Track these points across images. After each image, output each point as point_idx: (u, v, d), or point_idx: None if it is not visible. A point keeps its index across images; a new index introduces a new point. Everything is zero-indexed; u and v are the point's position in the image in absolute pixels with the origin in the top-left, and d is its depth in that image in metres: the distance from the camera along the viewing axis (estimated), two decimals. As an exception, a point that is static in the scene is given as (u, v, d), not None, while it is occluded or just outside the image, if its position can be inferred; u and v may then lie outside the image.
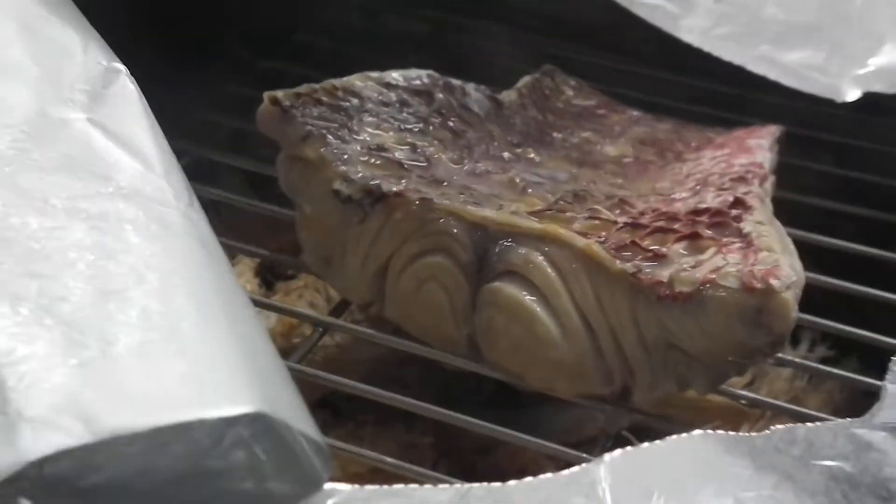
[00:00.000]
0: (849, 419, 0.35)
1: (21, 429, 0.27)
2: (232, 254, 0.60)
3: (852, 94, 0.58)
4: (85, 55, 0.38)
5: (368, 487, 0.31)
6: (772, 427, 0.34)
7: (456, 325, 0.47)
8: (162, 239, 0.31)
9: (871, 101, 0.60)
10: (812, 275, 0.56)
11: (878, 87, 0.58)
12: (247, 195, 0.60)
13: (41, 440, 0.27)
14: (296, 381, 0.32)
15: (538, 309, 0.44)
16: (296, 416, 0.30)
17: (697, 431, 0.33)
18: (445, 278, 0.46)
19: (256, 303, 0.51)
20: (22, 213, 0.31)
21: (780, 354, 0.58)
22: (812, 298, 0.55)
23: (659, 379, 0.44)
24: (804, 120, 0.67)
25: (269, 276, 0.63)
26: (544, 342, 0.45)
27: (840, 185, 0.67)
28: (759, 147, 0.54)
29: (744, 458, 0.32)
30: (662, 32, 0.62)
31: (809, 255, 0.60)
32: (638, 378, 0.45)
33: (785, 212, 0.62)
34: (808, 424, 0.34)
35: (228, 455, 0.30)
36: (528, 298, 0.45)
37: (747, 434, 0.33)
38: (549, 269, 0.44)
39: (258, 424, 0.29)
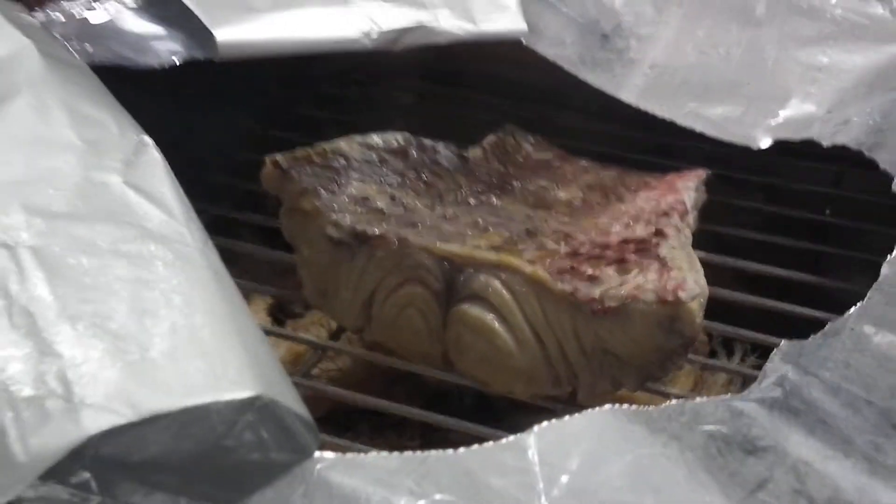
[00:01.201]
0: (729, 395, 0.41)
1: (83, 412, 0.34)
2: (247, 294, 0.66)
3: (765, 142, 0.62)
4: (120, 131, 0.45)
5: (349, 455, 0.37)
6: (666, 402, 0.40)
7: (431, 342, 0.53)
8: (184, 271, 0.38)
9: (792, 147, 0.63)
10: (746, 296, 0.63)
11: (786, 135, 0.62)
12: (258, 245, 0.65)
13: (98, 420, 0.33)
14: (302, 396, 0.39)
15: (497, 325, 0.50)
16: (290, 399, 0.36)
17: (606, 406, 0.39)
18: (421, 304, 0.52)
19: (267, 332, 0.57)
20: (76, 255, 0.38)
21: (713, 362, 0.65)
22: (745, 316, 0.62)
23: (597, 380, 0.51)
24: (739, 164, 0.72)
25: (280, 315, 0.68)
26: (503, 353, 0.51)
27: (771, 219, 0.71)
28: (685, 188, 0.59)
29: (641, 426, 0.39)
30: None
31: (746, 280, 0.67)
32: (581, 380, 0.51)
33: (725, 243, 0.68)
34: (696, 399, 0.41)
35: (240, 436, 0.36)
36: (488, 317, 0.50)
37: (645, 408, 0.40)
38: (504, 292, 0.50)
39: (262, 409, 0.36)
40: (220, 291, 0.38)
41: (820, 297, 0.60)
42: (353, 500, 0.36)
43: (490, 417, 0.58)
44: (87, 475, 0.36)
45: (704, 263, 0.59)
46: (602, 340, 0.49)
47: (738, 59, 0.68)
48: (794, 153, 0.70)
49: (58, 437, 0.32)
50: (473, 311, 0.51)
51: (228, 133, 0.73)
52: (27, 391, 0.33)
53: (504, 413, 0.59)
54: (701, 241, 0.63)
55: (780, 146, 0.63)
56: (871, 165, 0.59)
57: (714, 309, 0.59)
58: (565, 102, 0.76)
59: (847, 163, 0.70)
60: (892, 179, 0.57)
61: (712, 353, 0.67)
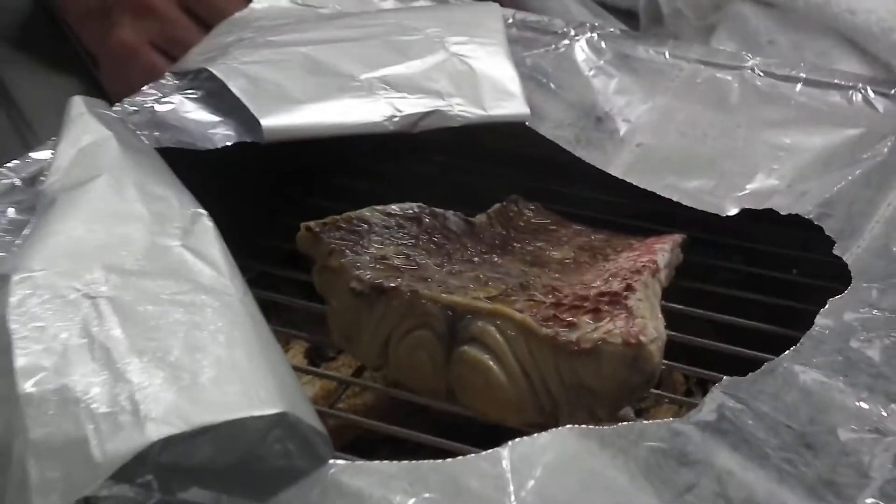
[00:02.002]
0: (672, 419, 0.48)
1: (147, 425, 0.41)
2: (286, 339, 0.74)
3: (732, 210, 0.67)
4: (180, 205, 0.53)
5: (357, 463, 0.45)
6: (619, 424, 0.47)
7: (437, 378, 0.59)
8: (227, 316, 0.46)
9: (768, 215, 0.68)
10: (717, 343, 0.69)
11: (750, 204, 0.67)
12: (296, 297, 0.72)
13: (159, 430, 0.41)
14: (331, 425, 0.45)
15: (492, 364, 0.57)
16: (310, 417, 0.44)
17: (567, 426, 0.47)
18: (428, 346, 0.59)
19: (302, 370, 0.65)
20: (143, 304, 0.46)
21: (689, 400, 0.71)
22: (719, 361, 0.68)
23: (575, 410, 0.57)
24: (720, 230, 0.77)
25: (316, 358, 0.75)
26: (497, 387, 0.57)
27: (749, 278, 0.77)
28: (660, 249, 0.65)
29: (595, 441, 0.45)
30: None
31: (726, 332, 0.73)
32: (561, 409, 0.57)
33: (708, 300, 0.74)
34: (644, 422, 0.48)
35: (270, 447, 0.43)
36: (484, 357, 0.57)
37: (599, 427, 0.47)
38: (498, 336, 0.57)
39: (287, 426, 0.43)
40: (256, 332, 0.46)
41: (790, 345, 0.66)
42: (359, 498, 0.43)
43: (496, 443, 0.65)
44: (150, 477, 0.43)
45: (685, 316, 0.66)
46: (578, 376, 0.56)
47: (712, 139, 0.74)
48: (769, 220, 0.76)
49: (127, 443, 0.40)
50: (472, 351, 0.58)
51: (275, 201, 0.81)
52: (104, 409, 0.41)
53: (506, 439, 0.66)
54: (684, 297, 0.70)
55: (756, 215, 0.69)
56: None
57: (690, 354, 0.66)
58: (565, 174, 0.81)
59: (813, 230, 0.76)
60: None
61: (688, 393, 0.73)
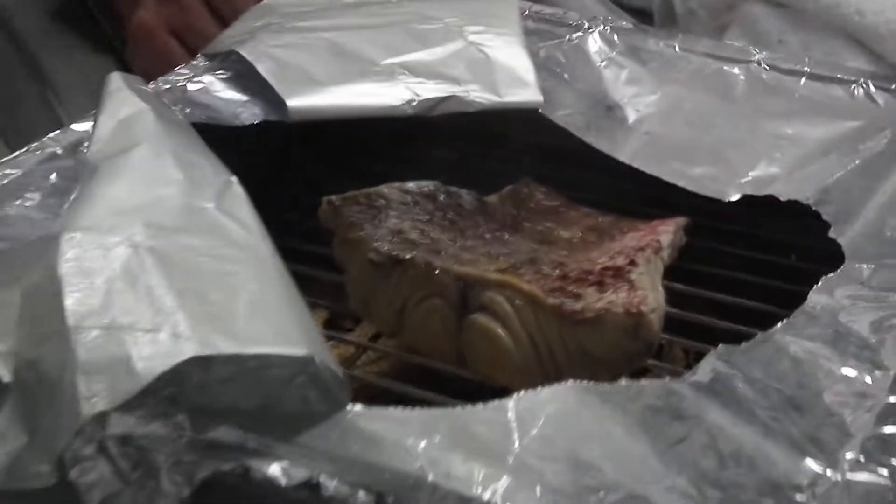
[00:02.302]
0: (668, 379, 0.52)
1: (185, 345, 0.44)
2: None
3: (734, 196, 0.70)
4: (213, 171, 0.56)
5: (373, 409, 0.48)
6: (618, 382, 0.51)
7: (448, 344, 0.63)
8: (257, 268, 0.49)
9: (770, 204, 0.71)
10: (715, 320, 0.72)
11: (751, 191, 0.70)
12: (318, 269, 0.75)
13: (193, 349, 0.44)
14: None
15: (500, 331, 0.60)
16: (331, 364, 0.48)
17: (570, 382, 0.50)
18: (441, 314, 0.62)
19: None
20: (180, 254, 0.49)
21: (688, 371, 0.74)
22: (719, 337, 0.71)
23: (578, 375, 0.59)
24: (724, 217, 0.81)
25: (333, 330, 0.78)
26: (505, 353, 0.61)
27: (750, 263, 0.80)
28: (664, 231, 0.68)
29: (595, 397, 0.49)
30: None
31: (727, 311, 0.76)
32: (565, 375, 0.59)
33: (710, 281, 0.78)
34: (642, 381, 0.51)
35: (294, 392, 0.47)
36: (493, 325, 0.61)
37: (600, 384, 0.50)
38: (506, 305, 0.60)
39: (311, 372, 0.47)
40: (284, 286, 0.50)
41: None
42: (375, 440, 0.46)
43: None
44: (182, 417, 0.47)
45: (688, 296, 0.70)
46: (582, 344, 0.59)
47: (717, 129, 0.78)
48: (770, 209, 0.79)
49: (165, 360, 0.43)
50: (482, 319, 0.61)
51: (297, 181, 0.84)
52: (145, 334, 0.44)
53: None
54: (687, 278, 0.73)
55: (759, 204, 0.72)
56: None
57: (691, 331, 0.69)
58: (574, 162, 0.84)
59: (812, 217, 0.79)
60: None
61: (688, 367, 0.76)
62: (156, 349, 0.44)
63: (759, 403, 0.50)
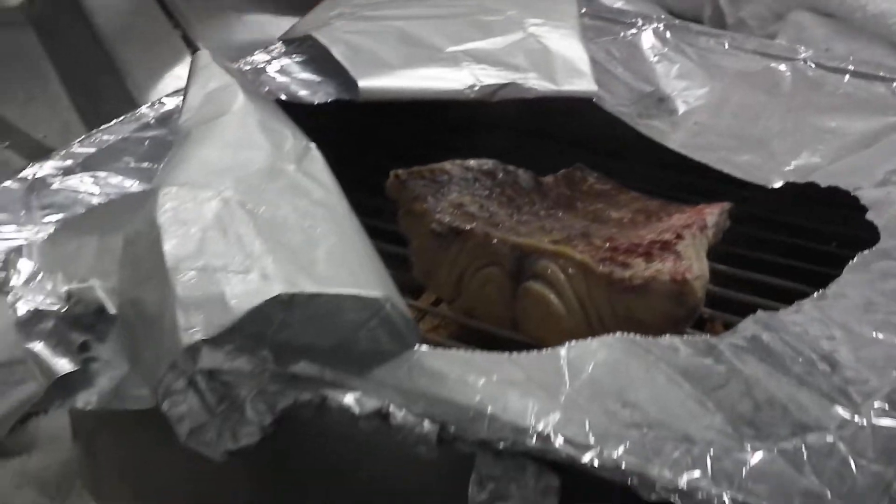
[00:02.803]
0: (708, 336, 0.56)
1: (273, 284, 0.49)
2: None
3: (777, 183, 0.74)
4: (294, 138, 0.62)
5: (438, 349, 0.53)
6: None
7: (504, 310, 0.67)
8: (336, 223, 0.55)
9: (810, 195, 0.75)
10: (756, 298, 0.75)
11: (794, 179, 0.74)
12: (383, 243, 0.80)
13: (280, 287, 0.49)
14: None
15: (553, 297, 0.65)
16: (401, 306, 0.52)
17: (617, 334, 0.54)
18: (498, 281, 0.67)
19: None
20: (267, 208, 0.55)
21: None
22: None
23: None
24: (767, 207, 0.85)
25: None
26: (556, 318, 0.65)
27: (793, 250, 0.83)
28: (709, 213, 0.72)
29: (640, 348, 0.53)
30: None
31: (771, 292, 0.79)
32: None
33: (755, 265, 0.81)
34: (685, 337, 0.55)
35: (367, 333, 0.52)
36: (547, 291, 0.65)
37: (645, 338, 0.55)
38: (559, 273, 0.65)
39: (384, 315, 0.52)
40: (360, 238, 0.55)
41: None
42: (440, 375, 0.51)
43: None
44: (266, 352, 0.52)
45: (730, 276, 0.73)
46: (629, 309, 0.63)
47: (763, 121, 0.82)
48: (813, 201, 0.83)
49: (255, 295, 0.48)
50: (536, 286, 0.66)
51: (367, 163, 0.90)
52: (237, 274, 0.49)
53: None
54: (732, 261, 0.77)
55: (802, 195, 0.76)
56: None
57: (732, 308, 0.73)
58: (624, 154, 0.88)
59: (851, 208, 0.83)
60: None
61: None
62: (246, 287, 0.49)
63: (793, 360, 0.54)
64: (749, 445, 0.48)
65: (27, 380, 0.68)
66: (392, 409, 0.50)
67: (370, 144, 0.93)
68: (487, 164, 0.75)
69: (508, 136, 0.97)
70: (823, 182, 0.75)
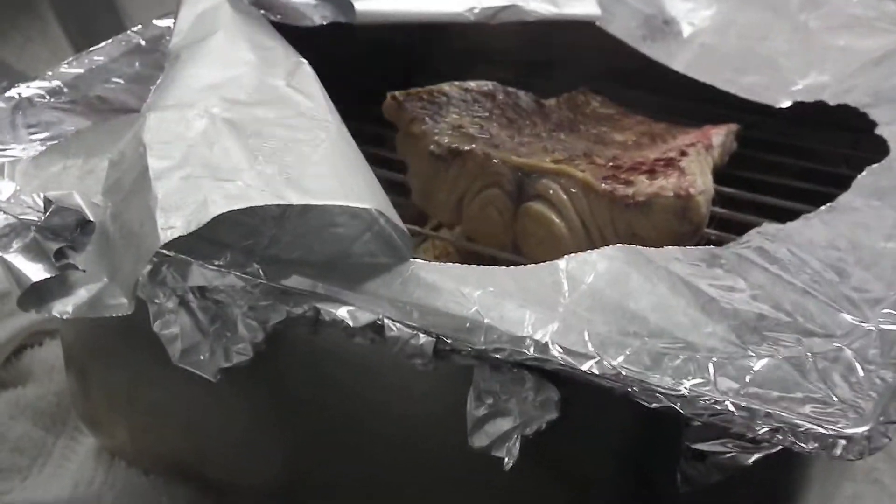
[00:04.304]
0: (711, 246, 0.54)
1: (255, 194, 0.48)
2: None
3: (785, 103, 0.73)
4: (284, 54, 0.60)
5: (433, 263, 0.52)
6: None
7: (505, 231, 0.66)
8: (327, 137, 0.53)
9: (819, 120, 0.75)
10: (760, 219, 0.73)
11: (802, 98, 0.72)
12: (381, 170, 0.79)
13: (263, 198, 0.47)
14: None
15: (554, 217, 0.64)
16: (395, 218, 0.51)
17: (618, 244, 0.53)
18: (498, 202, 0.66)
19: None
20: (253, 123, 0.53)
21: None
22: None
23: None
24: (774, 131, 0.84)
25: None
26: (558, 238, 0.64)
27: (802, 173, 0.81)
28: (715, 133, 0.71)
29: (642, 258, 0.51)
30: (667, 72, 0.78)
31: (779, 214, 0.77)
32: None
33: (762, 188, 0.79)
34: (687, 247, 0.54)
35: (363, 245, 0.51)
36: (548, 211, 0.64)
37: (646, 248, 0.53)
38: (561, 192, 0.63)
39: (377, 226, 0.50)
40: (351, 150, 0.53)
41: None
42: (434, 288, 0.50)
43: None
44: (256, 266, 0.51)
45: (736, 199, 0.72)
46: (632, 227, 0.62)
47: (770, 41, 0.80)
48: (820, 123, 0.82)
49: (238, 200, 0.47)
50: (537, 206, 0.65)
51: (361, 91, 0.88)
52: (221, 183, 0.48)
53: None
54: (737, 184, 0.76)
55: (807, 119, 0.75)
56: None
57: (738, 230, 0.71)
58: (626, 81, 0.86)
59: (863, 133, 0.81)
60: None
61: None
62: (230, 193, 0.47)
63: (798, 269, 0.53)
64: (753, 352, 0.46)
65: (19, 312, 0.67)
66: (387, 321, 0.49)
67: (368, 71, 0.91)
68: (487, 85, 0.73)
69: (508, 66, 0.95)
70: (833, 101, 0.73)
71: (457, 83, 0.73)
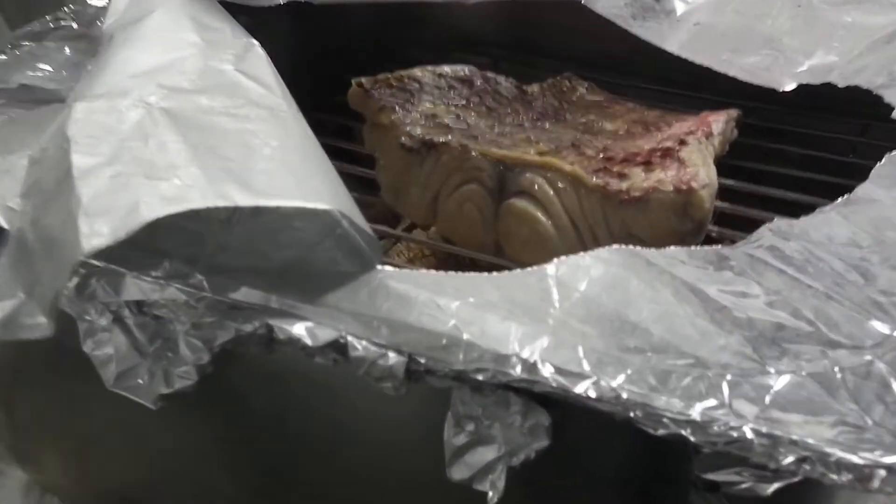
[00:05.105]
0: (719, 245, 0.49)
1: (194, 195, 0.42)
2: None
3: (790, 86, 0.67)
4: (233, 35, 0.55)
5: (404, 270, 0.46)
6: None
7: (485, 231, 0.61)
8: (280, 126, 0.47)
9: (824, 104, 0.71)
10: (766, 213, 0.68)
11: (808, 80, 0.67)
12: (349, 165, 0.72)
13: (205, 201, 0.42)
14: None
15: (539, 214, 0.58)
16: (359, 220, 0.45)
17: (614, 245, 0.48)
18: (477, 199, 0.60)
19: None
20: (195, 113, 0.47)
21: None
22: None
23: None
24: (776, 119, 0.80)
25: None
26: (544, 237, 0.59)
27: (807, 161, 0.77)
28: (714, 120, 0.66)
29: (641, 260, 0.47)
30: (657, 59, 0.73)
31: (785, 208, 0.73)
32: None
33: (766, 179, 0.74)
34: (692, 247, 0.49)
35: (321, 251, 0.45)
36: (533, 208, 0.59)
37: (646, 249, 0.48)
38: (547, 188, 0.58)
39: (339, 229, 0.45)
40: (308, 143, 0.48)
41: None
42: (405, 300, 0.44)
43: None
44: (200, 278, 0.46)
45: (738, 191, 0.67)
46: (627, 226, 0.57)
47: (771, 18, 0.75)
48: (825, 108, 0.78)
49: (174, 203, 0.42)
50: (520, 203, 0.59)
51: (328, 79, 0.82)
52: (156, 181, 0.42)
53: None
54: (738, 175, 0.71)
55: (811, 103, 0.71)
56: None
57: (743, 226, 0.66)
58: (616, 69, 0.83)
59: (872, 118, 0.77)
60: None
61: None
62: (165, 195, 0.42)
63: (818, 270, 0.48)
64: (772, 368, 0.41)
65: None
66: (351, 339, 0.43)
67: (331, 57, 0.86)
68: (463, 70, 0.68)
69: (487, 52, 0.91)
70: (842, 82, 0.68)
71: (430, 68, 0.67)
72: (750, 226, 0.66)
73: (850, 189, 0.69)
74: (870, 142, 0.78)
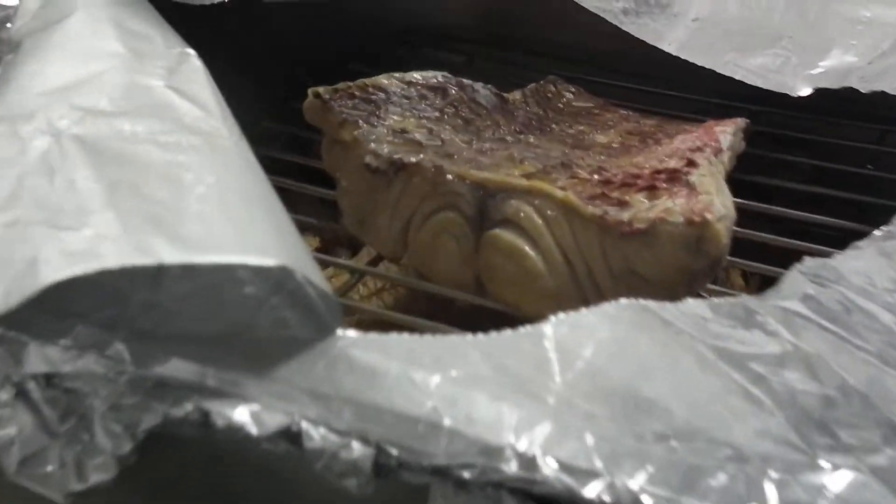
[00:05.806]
0: (745, 295, 0.42)
1: (107, 253, 0.35)
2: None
3: (804, 91, 0.62)
4: (164, 43, 0.47)
5: (371, 335, 0.39)
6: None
7: (464, 266, 0.54)
8: (217, 157, 0.40)
9: (831, 106, 0.66)
10: (794, 241, 0.63)
11: (825, 84, 0.62)
12: (305, 184, 0.66)
13: (121, 258, 0.34)
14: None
15: (527, 248, 0.51)
16: (314, 275, 0.38)
17: (622, 300, 0.40)
18: (455, 229, 0.53)
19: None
20: (115, 141, 0.40)
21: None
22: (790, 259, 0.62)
23: None
24: (782, 125, 0.74)
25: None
26: (533, 275, 0.52)
27: (819, 174, 0.72)
28: (721, 132, 0.60)
29: (656, 318, 0.40)
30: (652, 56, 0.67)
31: (797, 229, 0.66)
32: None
33: (775, 196, 0.68)
34: (713, 299, 0.42)
35: (268, 313, 0.38)
36: (519, 241, 0.51)
37: (660, 303, 0.41)
38: (535, 217, 0.51)
39: (289, 286, 0.37)
40: (252, 176, 0.40)
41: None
42: (373, 374, 0.37)
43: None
44: (121, 346, 0.38)
45: (746, 211, 0.60)
46: (630, 262, 0.50)
47: (779, 13, 0.70)
48: (838, 112, 0.72)
49: (81, 260, 0.34)
50: (505, 235, 0.52)
51: (283, 84, 0.75)
52: (63, 231, 0.35)
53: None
54: (745, 191, 0.64)
55: (822, 107, 0.65)
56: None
57: (750, 251, 0.60)
58: (603, 64, 0.78)
59: (892, 123, 0.71)
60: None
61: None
62: (71, 249, 0.34)
63: (865, 325, 0.41)
64: (825, 460, 0.34)
65: None
66: (305, 425, 0.36)
67: (283, 53, 0.78)
68: (436, 77, 0.61)
69: (461, 47, 0.86)
70: (864, 87, 0.62)
71: (397, 75, 0.60)
72: (759, 252, 0.60)
73: (871, 208, 0.63)
74: (891, 150, 0.72)
